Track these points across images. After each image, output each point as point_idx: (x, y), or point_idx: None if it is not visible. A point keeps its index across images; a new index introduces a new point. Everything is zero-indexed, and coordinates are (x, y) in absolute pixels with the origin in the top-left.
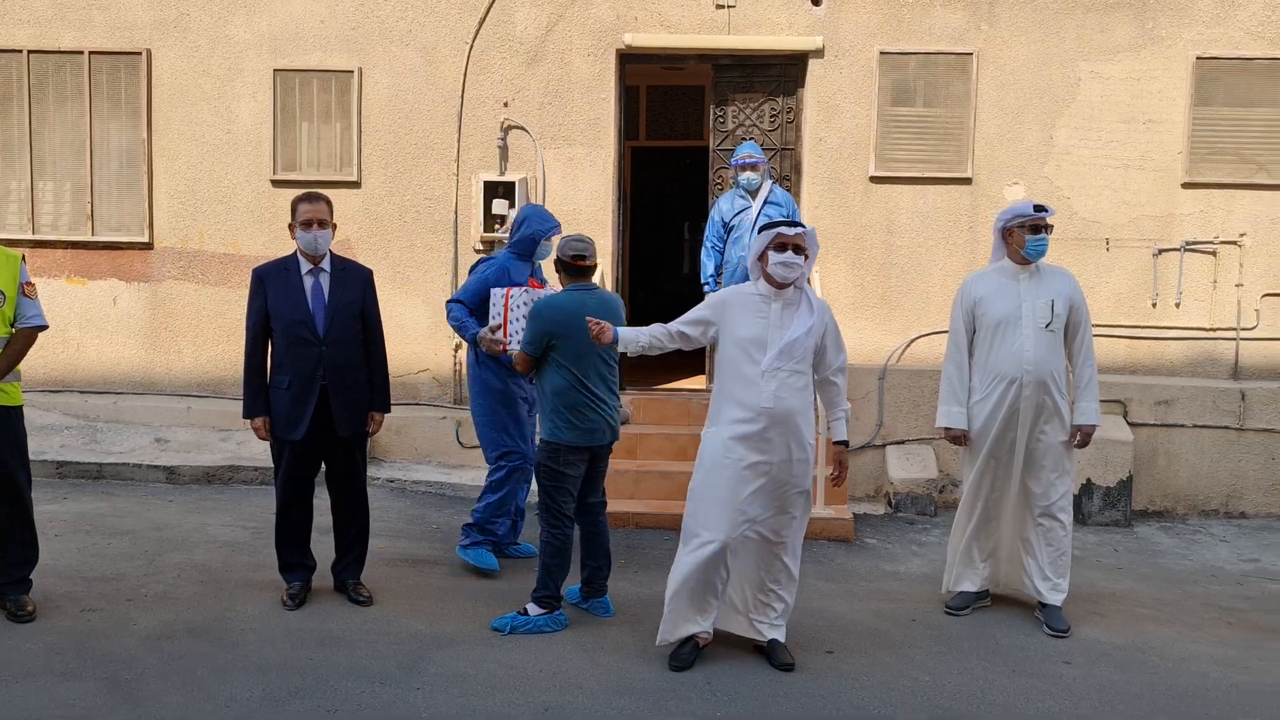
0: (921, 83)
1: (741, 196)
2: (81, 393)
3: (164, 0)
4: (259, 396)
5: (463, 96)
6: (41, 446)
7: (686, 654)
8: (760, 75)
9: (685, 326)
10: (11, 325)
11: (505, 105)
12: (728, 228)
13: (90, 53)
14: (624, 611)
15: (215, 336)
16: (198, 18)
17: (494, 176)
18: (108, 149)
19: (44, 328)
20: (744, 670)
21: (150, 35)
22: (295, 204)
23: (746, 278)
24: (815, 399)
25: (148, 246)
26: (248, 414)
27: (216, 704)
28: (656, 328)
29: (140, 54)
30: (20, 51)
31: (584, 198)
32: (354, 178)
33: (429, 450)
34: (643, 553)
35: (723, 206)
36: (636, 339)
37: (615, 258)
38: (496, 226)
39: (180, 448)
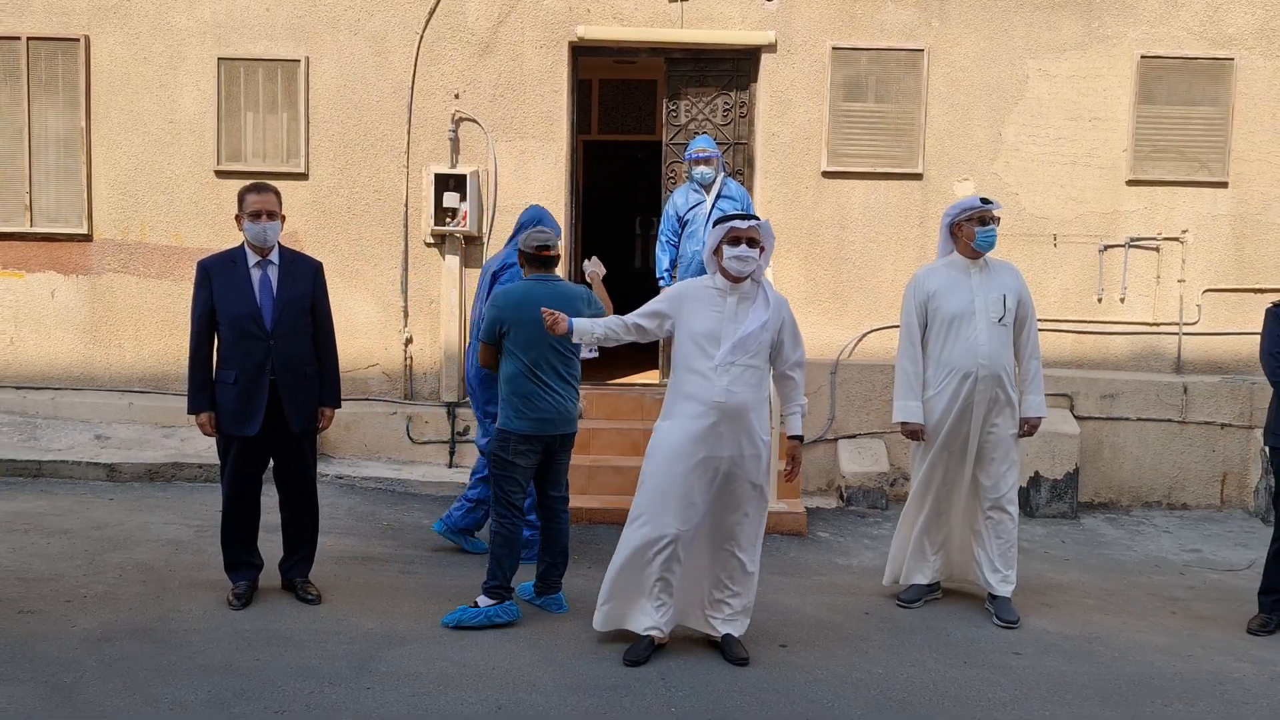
0: (873, 78)
1: (696, 190)
2: (18, 389)
3: None
4: (204, 391)
5: (413, 88)
6: None
7: (641, 650)
8: (713, 69)
9: (641, 319)
10: None
11: (456, 97)
12: (682, 222)
13: (28, 38)
14: (577, 607)
15: (157, 331)
16: (139, 4)
17: (445, 169)
18: (46, 137)
19: None
20: (699, 665)
21: (89, 21)
22: (243, 194)
23: (701, 271)
24: (771, 394)
25: (87, 238)
26: (193, 409)
27: (159, 707)
28: (612, 319)
29: (78, 40)
30: None
31: (536, 191)
32: (301, 169)
33: (379, 446)
34: (595, 548)
35: (677, 200)
36: (592, 330)
37: (568, 252)
38: (447, 220)
39: (121, 445)
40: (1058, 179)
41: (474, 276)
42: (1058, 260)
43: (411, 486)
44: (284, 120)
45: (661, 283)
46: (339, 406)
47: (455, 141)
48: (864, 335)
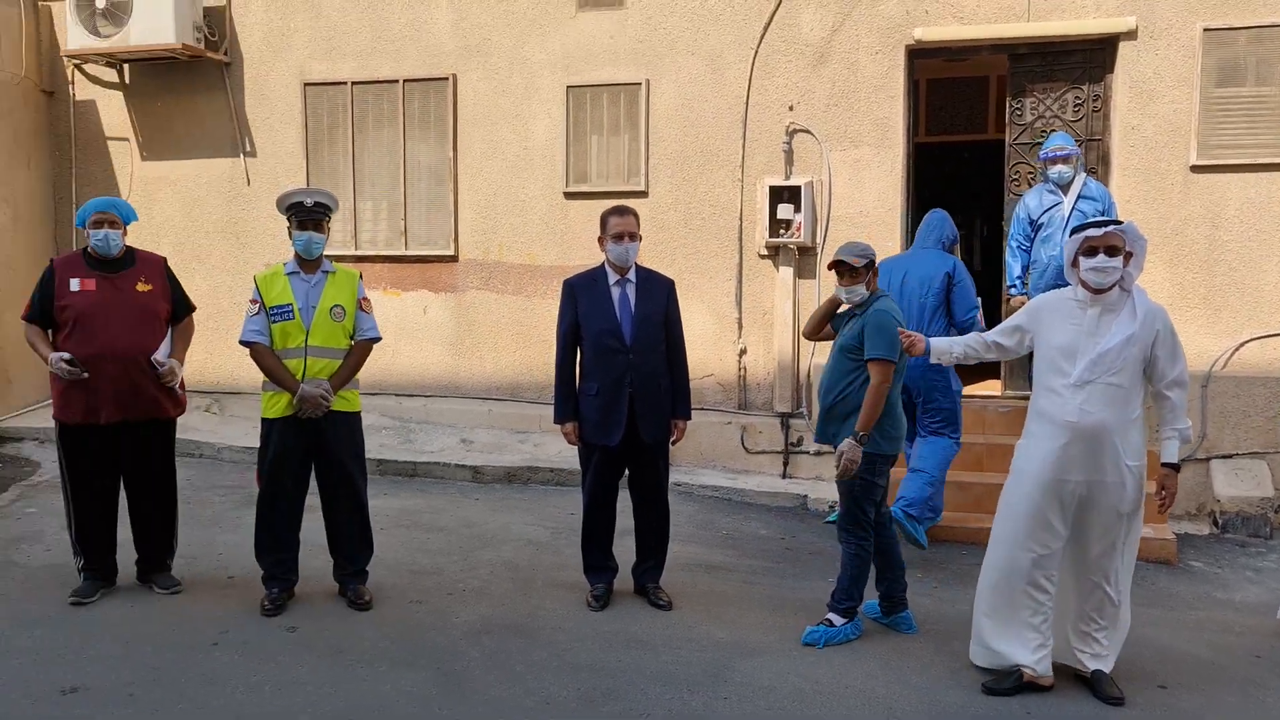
0: (1253, 60)
1: (1051, 191)
2: (396, 395)
3: (468, 28)
4: (569, 402)
5: (747, 102)
6: (365, 445)
7: (1007, 682)
8: (1062, 63)
9: (1000, 336)
10: (351, 338)
11: (790, 109)
12: (1035, 225)
13: (404, 81)
14: (927, 628)
15: (513, 343)
16: (498, 42)
17: (779, 181)
18: (419, 169)
19: (378, 339)
20: (1067, 702)
21: (456, 61)
22: (605, 217)
23: (1058, 279)
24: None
25: (453, 259)
26: (559, 419)
27: (537, 701)
28: (971, 338)
29: (447, 79)
30: (345, 84)
31: (870, 200)
32: (641, 187)
33: (714, 455)
34: (941, 566)
35: (1030, 203)
36: (950, 350)
37: None
38: (781, 231)
39: (483, 448)
40: None
41: (808, 288)
42: None
43: (747, 496)
44: (625, 141)
45: (1012, 291)
46: (689, 418)
47: (789, 153)
48: (1242, 344)
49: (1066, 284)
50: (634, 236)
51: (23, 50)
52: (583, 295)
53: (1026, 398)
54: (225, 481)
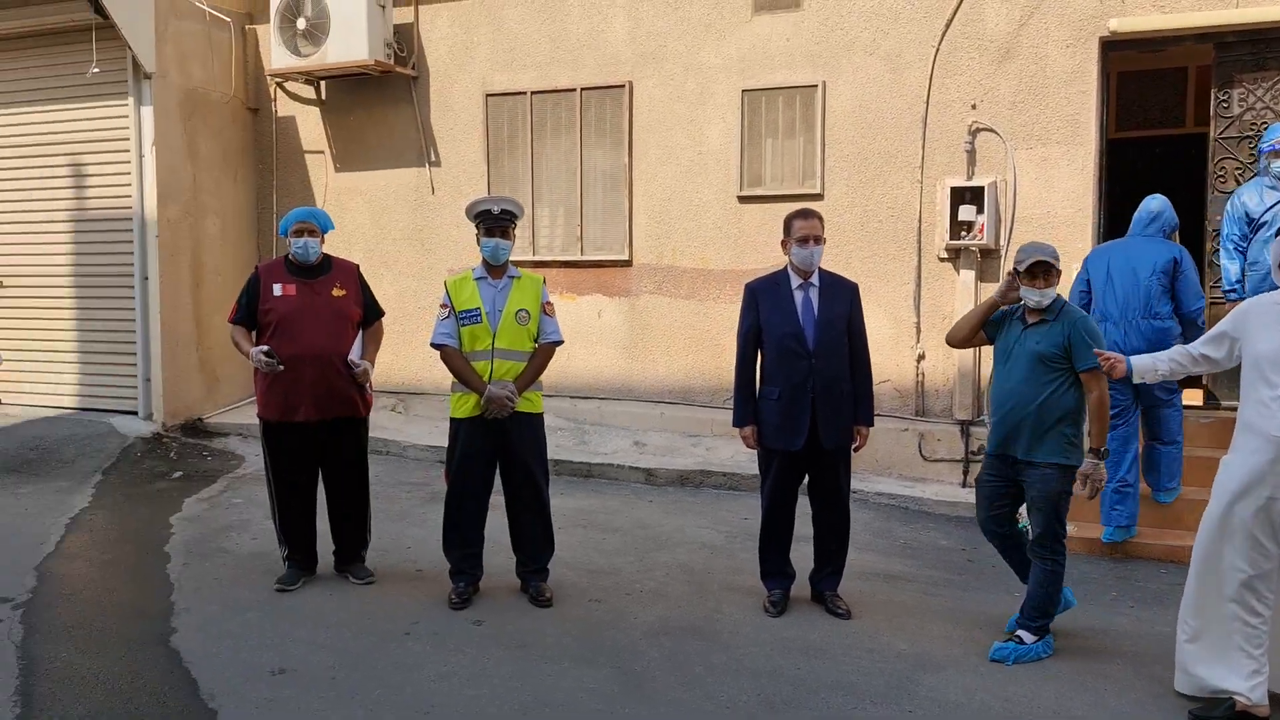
0: None
1: (1272, 187)
2: (571, 397)
3: (644, 36)
4: (748, 406)
5: (928, 101)
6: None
7: (1219, 711)
8: (1275, 50)
9: (1206, 347)
10: (535, 341)
11: (973, 108)
12: (1254, 225)
13: (581, 89)
14: (1124, 649)
15: (685, 347)
16: (673, 48)
17: (960, 182)
18: (594, 175)
19: (561, 343)
20: None
21: (632, 69)
22: (790, 220)
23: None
24: None
25: (627, 264)
26: (738, 422)
27: (718, 704)
28: (1176, 351)
29: (623, 86)
30: (524, 93)
31: (1058, 199)
32: (817, 190)
33: (889, 462)
34: (1136, 585)
35: (1247, 200)
36: (1154, 367)
37: None
38: (962, 234)
39: (656, 451)
40: None
41: (990, 291)
42: None
43: (924, 505)
44: (800, 144)
45: (1231, 295)
46: (872, 425)
47: (971, 153)
48: None
49: None
50: (818, 240)
51: (232, 71)
52: (764, 299)
53: (1232, 408)
54: (411, 478)
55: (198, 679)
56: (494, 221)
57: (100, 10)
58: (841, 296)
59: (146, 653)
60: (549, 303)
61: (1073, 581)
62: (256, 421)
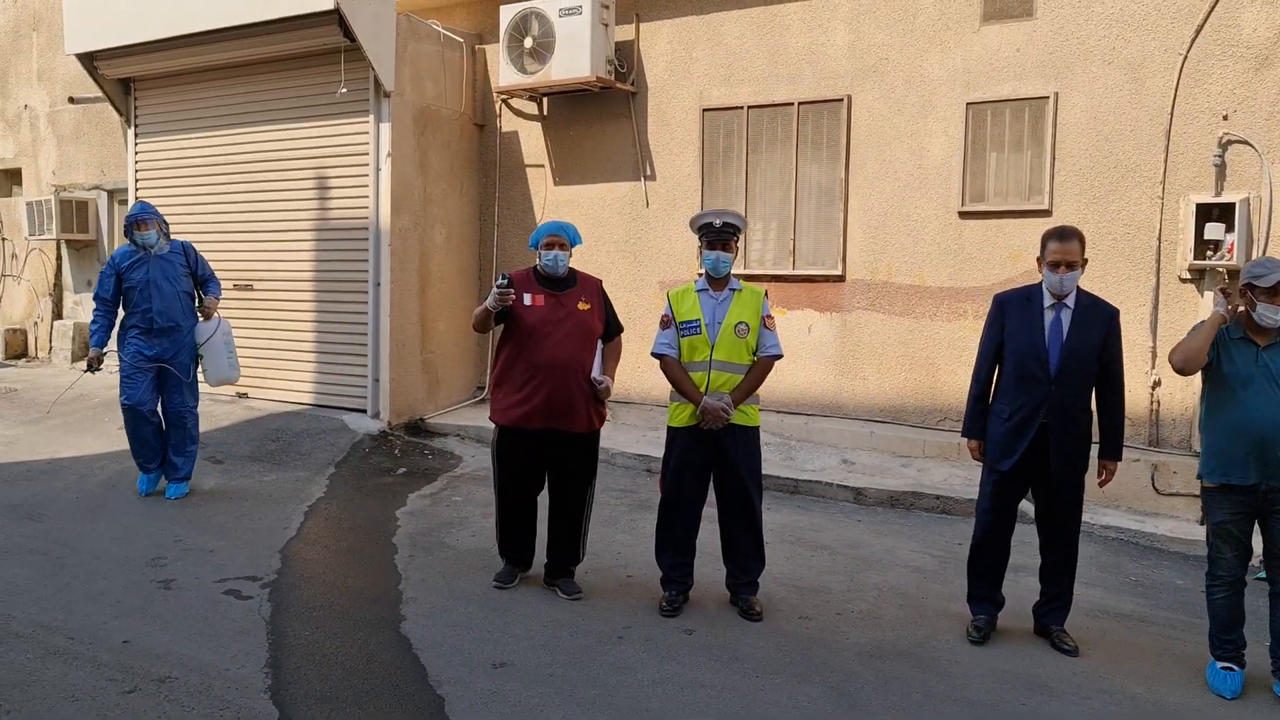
0: None
1: None
2: (778, 412)
3: (865, 49)
4: (978, 419)
5: (1172, 113)
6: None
7: None
8: None
9: None
10: (753, 354)
11: (1224, 119)
12: None
13: (799, 103)
14: None
15: (898, 365)
16: (895, 61)
17: (1208, 198)
18: (809, 189)
19: (780, 356)
20: None
21: (851, 82)
22: (1045, 240)
23: None
24: None
25: (840, 279)
26: (965, 433)
27: None
28: None
29: (841, 100)
30: (741, 108)
31: None
32: (1044, 205)
33: (1119, 494)
34: None
35: None
36: None
37: None
38: (1208, 253)
39: (865, 470)
40: None
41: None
42: None
43: (1157, 540)
44: (1028, 158)
45: None
46: (1119, 459)
47: (1221, 167)
48: None
49: None
50: (1072, 266)
51: (462, 88)
52: (1012, 313)
53: None
54: (619, 485)
55: (426, 666)
56: (716, 235)
57: (349, 35)
58: (1097, 323)
59: (379, 637)
60: (769, 316)
61: None
62: (473, 424)
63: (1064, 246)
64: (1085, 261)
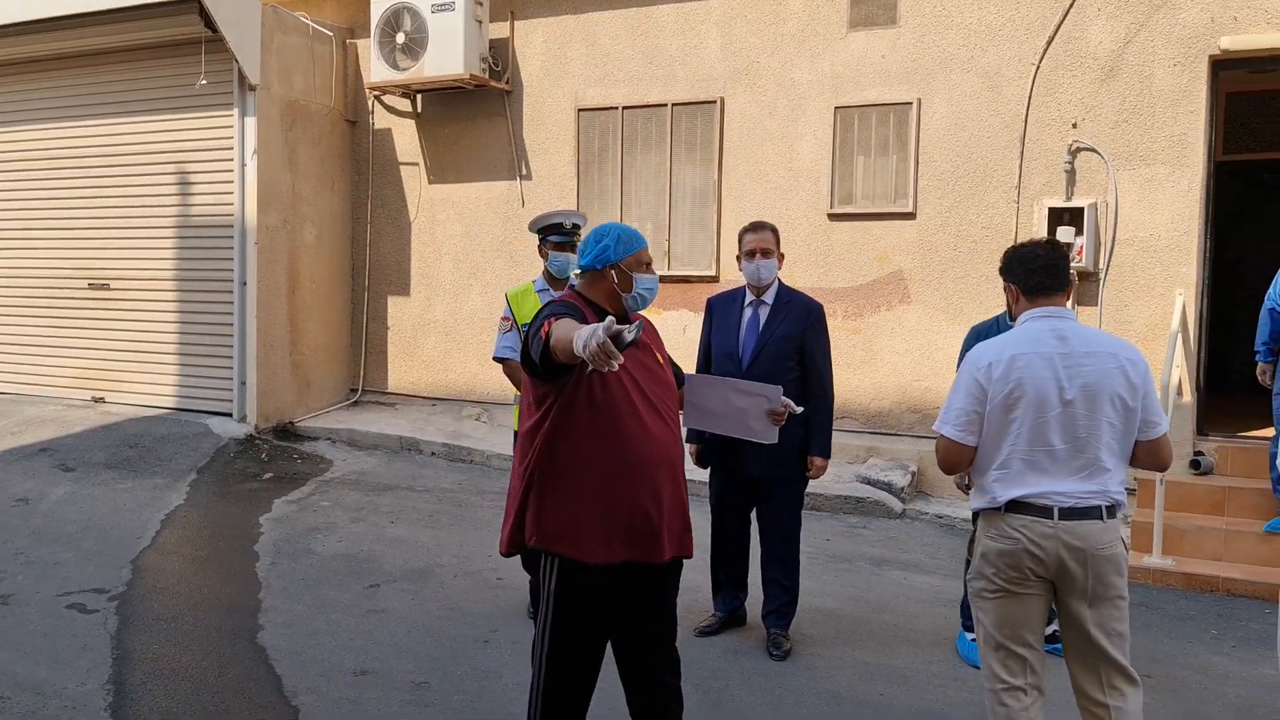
0: None
1: None
2: None
3: (737, 52)
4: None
5: (1026, 120)
6: None
7: None
8: None
9: None
10: None
11: (1074, 126)
12: None
13: (673, 105)
14: (1227, 694)
15: None
16: (766, 64)
17: (1059, 203)
18: (683, 191)
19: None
20: None
21: (724, 85)
22: (742, 234)
23: None
24: None
25: (714, 279)
26: (686, 439)
27: None
28: None
29: (715, 102)
30: (616, 108)
31: (1163, 222)
32: (909, 209)
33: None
34: (1239, 625)
35: None
36: None
37: (1199, 289)
38: None
39: None
40: None
41: (1088, 315)
42: None
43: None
44: (894, 161)
45: None
46: (828, 456)
47: (1071, 173)
48: None
49: None
50: (768, 254)
51: (333, 84)
52: (717, 312)
53: None
54: (494, 487)
55: (281, 676)
56: (566, 236)
57: (210, 24)
58: (794, 317)
59: (233, 648)
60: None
61: (1171, 618)
62: (344, 427)
63: (758, 236)
64: (782, 256)
